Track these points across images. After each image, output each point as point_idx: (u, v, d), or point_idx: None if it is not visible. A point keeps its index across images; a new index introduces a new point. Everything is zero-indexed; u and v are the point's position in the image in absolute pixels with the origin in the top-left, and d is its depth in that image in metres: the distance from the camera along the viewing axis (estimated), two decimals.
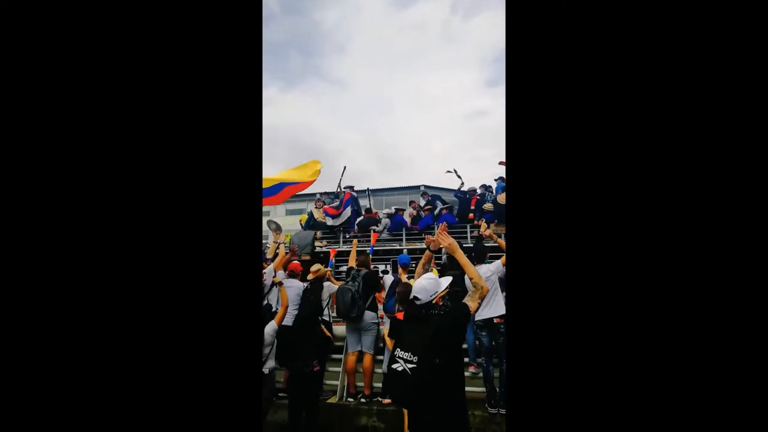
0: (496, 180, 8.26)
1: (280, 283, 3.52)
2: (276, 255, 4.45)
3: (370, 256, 5.36)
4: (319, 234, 7.65)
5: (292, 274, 4.23)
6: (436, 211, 7.94)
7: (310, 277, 3.86)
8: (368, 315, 3.92)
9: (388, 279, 4.19)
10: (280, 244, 4.60)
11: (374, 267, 4.87)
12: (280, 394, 3.65)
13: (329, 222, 8.12)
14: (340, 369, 4.11)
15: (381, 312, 4.15)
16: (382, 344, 4.03)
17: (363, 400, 3.87)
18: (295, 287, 4.03)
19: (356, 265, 4.21)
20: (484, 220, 7.13)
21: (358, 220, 7.86)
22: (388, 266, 5.48)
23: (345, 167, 9.37)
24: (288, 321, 3.64)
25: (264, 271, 4.20)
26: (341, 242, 7.31)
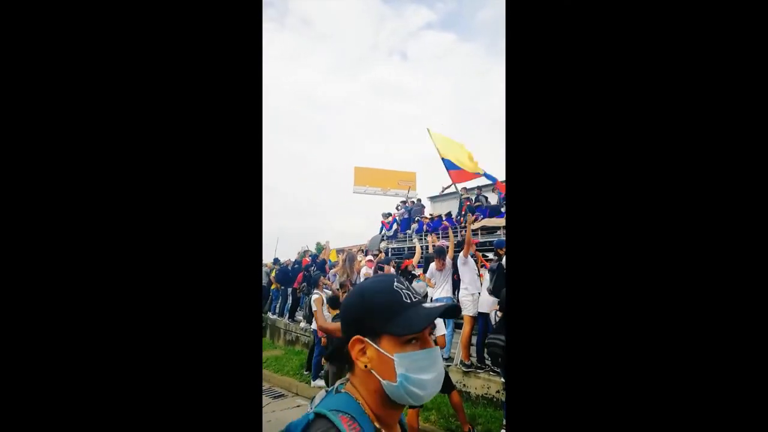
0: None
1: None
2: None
3: None
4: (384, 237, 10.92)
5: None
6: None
7: None
8: None
9: None
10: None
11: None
12: (497, 369, 3.94)
13: (383, 231, 10.79)
14: None
15: None
16: None
17: None
18: None
19: None
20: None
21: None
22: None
23: (409, 188, 12.17)
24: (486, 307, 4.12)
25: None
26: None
